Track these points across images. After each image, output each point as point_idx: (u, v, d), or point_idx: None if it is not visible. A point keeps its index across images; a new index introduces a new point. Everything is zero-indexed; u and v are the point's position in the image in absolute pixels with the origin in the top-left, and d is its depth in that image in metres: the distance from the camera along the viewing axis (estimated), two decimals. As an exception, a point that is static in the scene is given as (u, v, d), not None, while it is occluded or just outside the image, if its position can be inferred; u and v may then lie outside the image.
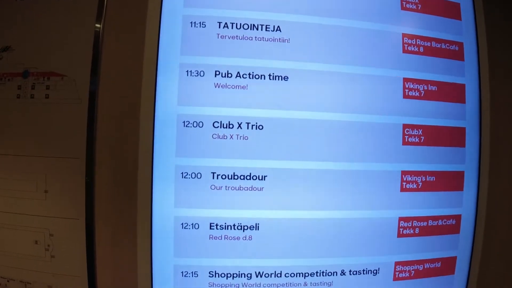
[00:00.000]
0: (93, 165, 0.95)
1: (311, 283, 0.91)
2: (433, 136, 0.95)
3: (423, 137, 0.94)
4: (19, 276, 1.04)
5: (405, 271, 0.95)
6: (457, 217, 0.98)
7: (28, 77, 1.00)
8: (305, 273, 0.91)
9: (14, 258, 1.04)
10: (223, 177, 0.86)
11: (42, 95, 0.99)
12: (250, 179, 0.87)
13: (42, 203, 1.01)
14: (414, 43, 0.94)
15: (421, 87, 0.94)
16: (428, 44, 0.95)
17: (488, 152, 0.98)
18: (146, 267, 0.89)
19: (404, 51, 0.94)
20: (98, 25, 0.96)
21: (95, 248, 0.98)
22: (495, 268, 1.02)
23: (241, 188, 0.87)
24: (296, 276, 0.91)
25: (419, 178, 0.94)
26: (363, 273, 0.93)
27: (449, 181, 0.96)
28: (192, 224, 0.87)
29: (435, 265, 0.98)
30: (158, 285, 0.89)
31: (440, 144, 0.95)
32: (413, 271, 0.96)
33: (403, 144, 0.93)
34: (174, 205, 0.87)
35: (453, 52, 0.98)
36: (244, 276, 0.89)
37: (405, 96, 0.93)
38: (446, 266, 0.99)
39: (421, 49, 0.94)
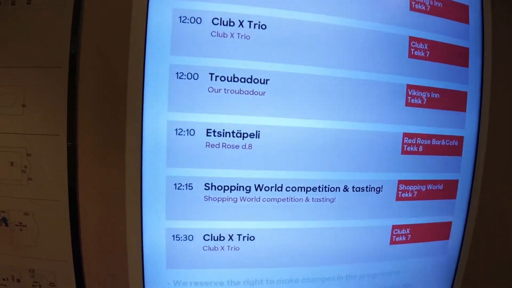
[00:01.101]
0: (77, 74, 0.84)
1: (313, 198, 0.83)
2: (438, 52, 0.89)
3: (428, 52, 0.88)
4: (-10, 205, 0.91)
5: (408, 191, 0.89)
6: (460, 139, 0.92)
7: (10, -17, 0.88)
8: (307, 188, 0.82)
9: (-16, 184, 0.90)
10: (222, 78, 0.77)
11: (23, 1, 0.86)
12: (251, 82, 0.78)
13: (19, 119, 0.88)
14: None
15: (427, 1, 0.88)
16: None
17: (490, 73, 0.93)
18: (135, 181, 0.79)
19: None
20: None
21: (78, 167, 0.86)
22: (496, 193, 0.97)
23: (241, 92, 0.78)
24: (298, 191, 0.82)
25: (424, 94, 0.87)
26: (366, 190, 0.85)
27: (452, 101, 0.91)
28: (187, 130, 0.77)
29: (437, 187, 0.92)
30: (149, 201, 0.79)
31: (444, 61, 0.89)
32: (415, 192, 0.90)
33: (408, 57, 0.86)
34: (167, 109, 0.76)
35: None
36: (243, 189, 0.80)
37: (412, 8, 0.86)
38: (448, 189, 0.93)
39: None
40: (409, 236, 0.92)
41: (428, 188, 0.91)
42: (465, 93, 0.92)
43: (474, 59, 0.93)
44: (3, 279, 0.96)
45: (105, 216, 0.89)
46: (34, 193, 0.92)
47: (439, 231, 0.95)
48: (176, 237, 0.80)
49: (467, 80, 0.92)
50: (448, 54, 0.90)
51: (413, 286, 0.96)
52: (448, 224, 0.96)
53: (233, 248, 0.82)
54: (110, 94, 0.83)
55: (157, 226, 0.79)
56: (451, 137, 0.92)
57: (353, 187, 0.85)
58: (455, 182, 0.94)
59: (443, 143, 0.91)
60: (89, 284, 0.94)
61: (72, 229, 0.91)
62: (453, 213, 0.96)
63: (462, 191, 0.95)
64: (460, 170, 0.94)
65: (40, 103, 0.88)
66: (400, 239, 0.91)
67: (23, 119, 0.89)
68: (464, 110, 0.92)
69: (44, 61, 0.88)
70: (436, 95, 0.89)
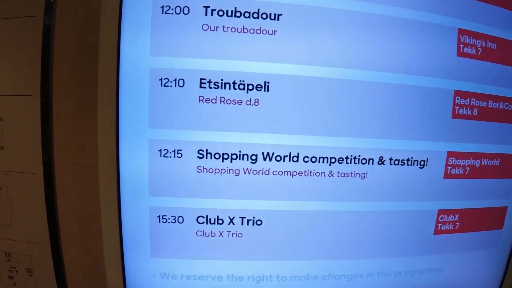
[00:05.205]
0: (53, 23, 0.59)
1: (338, 172, 0.55)
2: None
3: None
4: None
5: (458, 167, 0.60)
6: (522, 102, 0.63)
7: None
8: (330, 158, 0.55)
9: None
10: (220, 13, 0.50)
11: None
12: (258, 17, 0.51)
13: (-12, 79, 0.65)
14: None
15: None
16: None
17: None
18: (110, 149, 0.53)
19: None
20: None
21: (53, 130, 0.61)
22: None
23: (245, 30, 0.51)
24: (319, 162, 0.54)
25: (478, 44, 0.58)
26: (407, 164, 0.57)
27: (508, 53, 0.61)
28: (175, 79, 0.51)
29: (493, 163, 0.62)
30: (128, 172, 0.52)
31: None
32: (468, 168, 0.60)
33: None
34: (150, 52, 0.50)
35: None
36: (247, 159, 0.53)
37: None
38: (506, 166, 0.63)
39: None
40: (457, 224, 0.63)
41: (482, 164, 0.62)
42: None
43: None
44: (-23, 265, 0.72)
45: (82, 191, 0.64)
46: (7, 164, 0.68)
47: (493, 219, 0.66)
48: (163, 218, 0.54)
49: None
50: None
51: (458, 286, 0.67)
52: (503, 210, 0.66)
53: (234, 234, 0.55)
54: (86, 37, 0.58)
55: (138, 203, 0.53)
56: (510, 100, 0.63)
57: (390, 159, 0.57)
58: (515, 157, 0.65)
59: (500, 106, 0.62)
60: (69, 273, 0.69)
61: (48, 208, 0.67)
62: (509, 196, 0.66)
63: (523, 169, 0.65)
64: (521, 141, 0.64)
65: (12, 57, 0.64)
66: (447, 227, 0.62)
67: (-7, 78, 0.66)
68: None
69: (16, 11, 0.64)
70: (493, 45, 0.60)
